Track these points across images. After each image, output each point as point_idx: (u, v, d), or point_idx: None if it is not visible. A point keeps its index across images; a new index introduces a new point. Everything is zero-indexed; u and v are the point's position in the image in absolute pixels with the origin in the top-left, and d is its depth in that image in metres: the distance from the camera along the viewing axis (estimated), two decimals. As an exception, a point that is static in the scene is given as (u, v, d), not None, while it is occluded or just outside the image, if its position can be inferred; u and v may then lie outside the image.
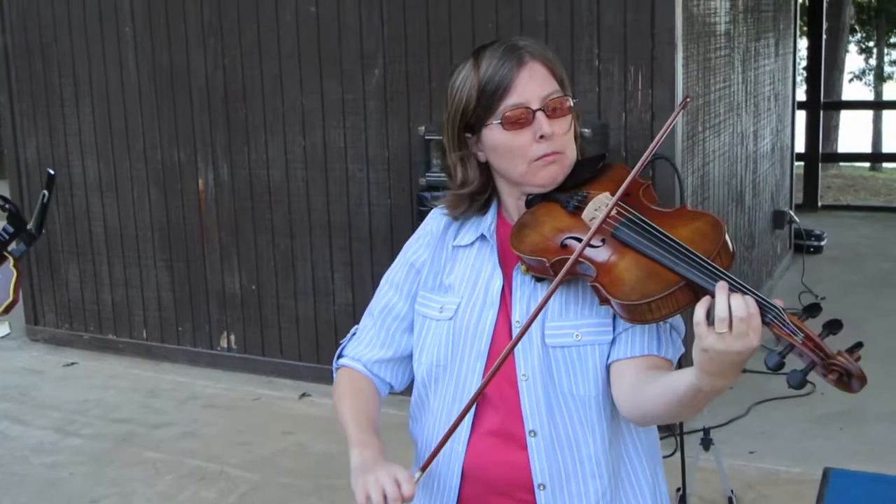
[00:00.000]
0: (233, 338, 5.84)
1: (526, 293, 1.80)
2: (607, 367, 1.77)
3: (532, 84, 1.77)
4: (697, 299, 1.53)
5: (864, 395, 4.78)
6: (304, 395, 5.43)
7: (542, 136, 1.76)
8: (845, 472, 3.52)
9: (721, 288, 1.49)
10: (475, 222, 1.90)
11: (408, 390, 2.01)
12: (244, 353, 5.81)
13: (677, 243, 1.61)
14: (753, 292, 1.49)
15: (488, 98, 1.77)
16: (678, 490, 3.90)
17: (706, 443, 3.95)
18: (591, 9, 4.59)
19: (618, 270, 1.64)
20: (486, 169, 1.86)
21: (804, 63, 10.15)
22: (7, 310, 1.47)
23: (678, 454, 3.94)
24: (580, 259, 1.66)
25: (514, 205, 1.87)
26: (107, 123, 5.95)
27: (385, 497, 1.64)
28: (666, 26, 4.48)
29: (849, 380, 1.44)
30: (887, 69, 21.78)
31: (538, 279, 1.78)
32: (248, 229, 5.65)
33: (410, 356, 1.95)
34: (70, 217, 6.21)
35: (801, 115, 9.34)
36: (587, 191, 1.80)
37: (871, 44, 21.70)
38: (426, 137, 4.69)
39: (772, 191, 7.24)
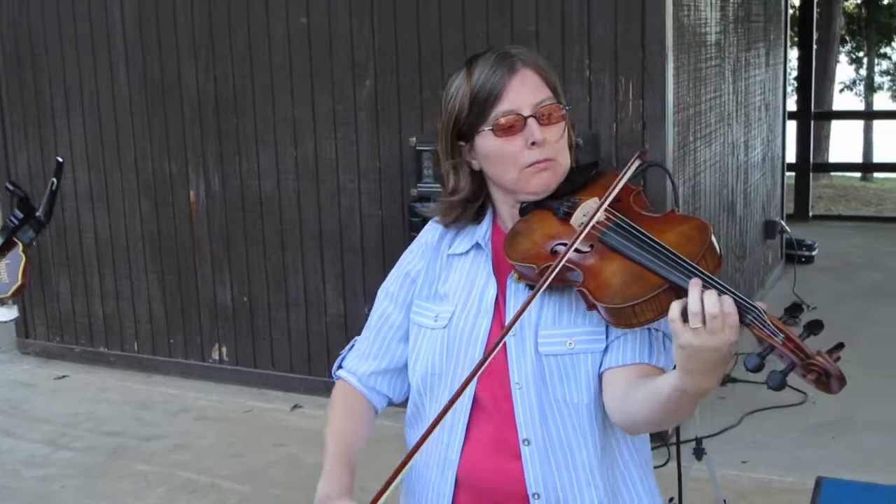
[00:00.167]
0: (224, 350, 5.82)
1: (519, 302, 1.79)
2: (600, 376, 1.77)
3: (524, 91, 1.77)
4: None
5: (855, 403, 4.80)
6: (295, 406, 5.42)
7: (533, 143, 1.76)
8: (837, 481, 3.52)
9: (694, 284, 1.49)
10: (470, 231, 1.90)
11: (403, 401, 2.01)
12: (236, 365, 5.79)
13: (662, 246, 1.61)
14: (733, 292, 1.49)
15: (480, 105, 1.77)
16: (671, 500, 3.89)
17: (698, 452, 3.95)
18: (582, 19, 4.60)
19: (605, 275, 1.64)
20: (479, 177, 1.86)
21: (795, 73, 10.19)
22: (16, 293, 1.49)
23: (671, 464, 3.93)
24: (569, 265, 1.66)
25: (508, 213, 1.87)
26: (98, 135, 5.95)
27: None
28: (656, 37, 4.49)
29: (828, 380, 1.43)
30: (877, 79, 21.87)
31: (531, 287, 1.78)
32: (240, 240, 5.65)
33: (407, 367, 1.94)
34: (61, 229, 6.20)
35: (791, 126, 9.38)
36: (576, 198, 1.80)
37: (861, 54, 21.79)
38: (417, 148, 4.70)
39: (763, 201, 7.25)
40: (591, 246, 1.69)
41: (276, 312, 5.61)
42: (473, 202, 1.88)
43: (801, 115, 10.00)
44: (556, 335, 1.76)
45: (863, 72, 21.80)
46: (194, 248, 5.79)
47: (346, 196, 5.30)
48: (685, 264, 1.56)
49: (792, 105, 9.58)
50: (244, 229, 5.62)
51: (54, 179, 1.50)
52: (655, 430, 1.78)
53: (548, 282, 1.65)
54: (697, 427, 4.12)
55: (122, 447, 5.05)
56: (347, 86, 5.19)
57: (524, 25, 4.68)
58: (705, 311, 1.46)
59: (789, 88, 8.66)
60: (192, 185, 5.71)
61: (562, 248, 1.70)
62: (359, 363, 1.97)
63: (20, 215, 1.47)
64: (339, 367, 2.01)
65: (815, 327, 1.45)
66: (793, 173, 9.73)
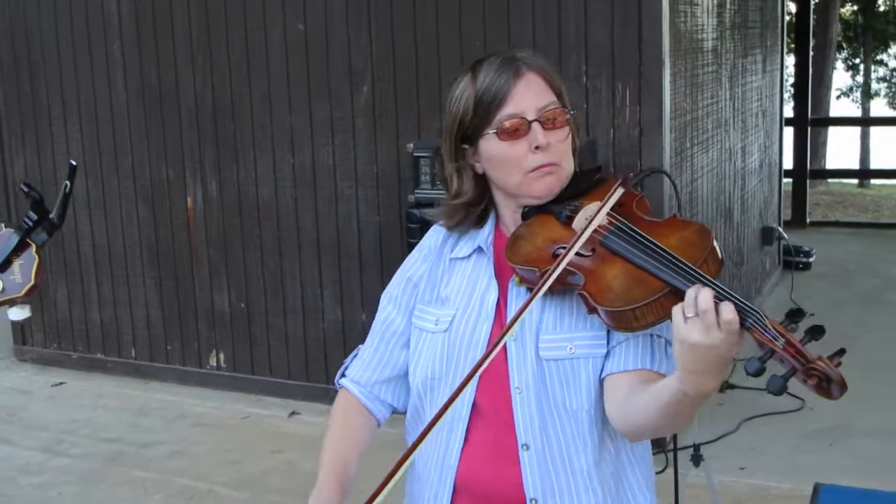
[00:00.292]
0: (222, 356, 5.82)
1: (520, 306, 1.80)
2: (600, 381, 1.76)
3: (528, 95, 1.77)
4: None
5: (854, 410, 4.80)
6: (293, 413, 5.41)
7: (537, 147, 1.76)
8: (836, 487, 3.51)
9: (691, 288, 1.50)
10: (473, 235, 1.90)
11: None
12: (233, 371, 5.79)
13: (663, 250, 1.61)
14: (734, 296, 1.49)
15: (485, 108, 1.77)
16: (669, 506, 3.89)
17: (696, 459, 3.94)
18: (579, 26, 4.61)
19: (606, 279, 1.64)
20: (483, 181, 1.87)
21: (791, 80, 10.20)
22: (29, 292, 1.51)
23: (669, 470, 3.93)
24: (570, 269, 1.66)
25: (510, 217, 1.87)
26: (95, 141, 5.95)
27: None
28: (653, 43, 4.50)
29: (828, 385, 1.42)
30: (874, 86, 21.91)
31: (532, 290, 1.78)
32: (237, 247, 5.64)
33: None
34: (58, 235, 6.13)
35: (789, 132, 9.39)
36: (579, 202, 1.81)
37: (858, 61, 21.83)
38: (415, 155, 4.70)
39: (760, 207, 7.26)
40: (593, 250, 1.69)
41: (274, 319, 5.61)
42: (477, 206, 1.88)
43: (799, 122, 10.00)
44: (556, 340, 1.76)
45: (859, 78, 21.83)
46: (192, 255, 5.79)
47: (343, 203, 5.30)
48: (687, 268, 1.56)
49: (789, 111, 9.59)
50: (242, 236, 5.62)
51: (68, 182, 1.52)
52: (656, 436, 1.79)
53: (547, 284, 1.65)
54: (695, 433, 4.11)
55: (120, 454, 5.04)
56: (345, 93, 5.19)
57: (521, 32, 4.68)
58: (698, 302, 1.46)
59: (786, 95, 8.67)
60: (190, 192, 5.71)
61: (563, 252, 1.70)
62: (363, 372, 1.96)
63: (34, 217, 1.50)
64: (342, 375, 2.00)
65: (816, 332, 1.45)
66: (790, 180, 9.74)
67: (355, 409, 1.95)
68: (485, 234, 1.88)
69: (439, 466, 1.81)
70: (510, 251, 1.77)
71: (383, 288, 2.00)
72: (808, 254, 8.19)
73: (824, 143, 16.92)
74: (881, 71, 22.42)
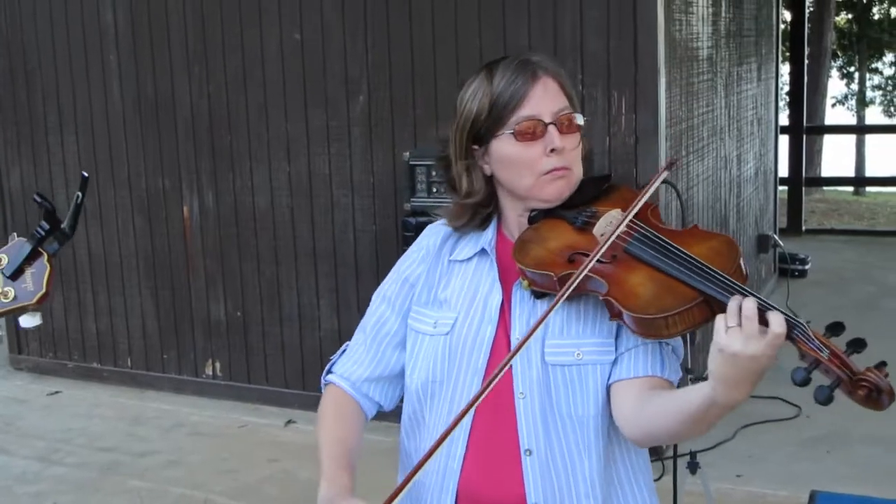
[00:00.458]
0: (218, 365, 5.81)
1: (525, 309, 1.79)
2: (607, 387, 1.76)
3: (545, 98, 1.78)
4: (713, 315, 1.54)
5: (850, 417, 4.78)
6: (289, 422, 5.40)
7: (552, 150, 1.77)
8: (832, 494, 3.52)
9: (733, 298, 1.50)
10: (474, 237, 1.89)
11: (395, 415, 2.00)
12: (229, 380, 5.78)
13: (695, 259, 1.61)
14: (779, 309, 1.49)
15: (501, 109, 1.78)
16: (666, 514, 3.89)
17: (693, 466, 3.94)
18: (575, 34, 4.62)
19: (631, 285, 1.64)
20: (489, 182, 1.87)
21: (787, 88, 10.23)
22: (41, 300, 1.54)
23: (665, 478, 3.93)
24: (591, 275, 1.66)
25: (515, 220, 1.87)
26: (91, 152, 5.95)
27: None
28: (649, 51, 4.51)
29: (878, 396, 1.43)
30: (869, 94, 21.97)
31: (538, 295, 1.78)
32: (234, 256, 5.65)
33: (401, 374, 1.93)
34: (54, 245, 6.17)
35: (784, 140, 9.41)
36: (595, 208, 1.81)
37: (853, 69, 21.90)
38: (411, 163, 4.71)
39: (756, 215, 7.27)
40: (614, 256, 1.69)
41: (270, 328, 5.61)
42: (486, 207, 1.88)
43: (794, 130, 10.03)
44: (563, 345, 1.76)
45: (854, 86, 21.89)
46: (188, 264, 5.79)
47: (339, 211, 5.31)
48: (724, 279, 1.56)
49: (784, 120, 9.62)
50: (238, 245, 5.62)
51: (80, 193, 1.55)
52: (670, 443, 1.80)
53: (570, 290, 1.64)
54: (691, 441, 4.11)
55: (116, 463, 5.03)
56: (341, 102, 5.20)
57: (517, 41, 4.69)
58: (744, 313, 1.47)
59: (781, 103, 8.69)
60: (186, 202, 5.71)
61: (580, 258, 1.70)
62: (353, 368, 1.95)
63: (46, 226, 1.52)
64: (329, 372, 1.99)
65: (858, 345, 1.47)
66: (785, 187, 9.76)
67: (345, 400, 1.94)
68: (488, 237, 1.88)
69: (441, 472, 1.81)
70: (520, 254, 1.77)
71: (379, 297, 2.00)
72: (803, 261, 8.20)
73: (820, 151, 16.98)
74: (876, 79, 22.48)
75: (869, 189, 15.88)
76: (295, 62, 5.29)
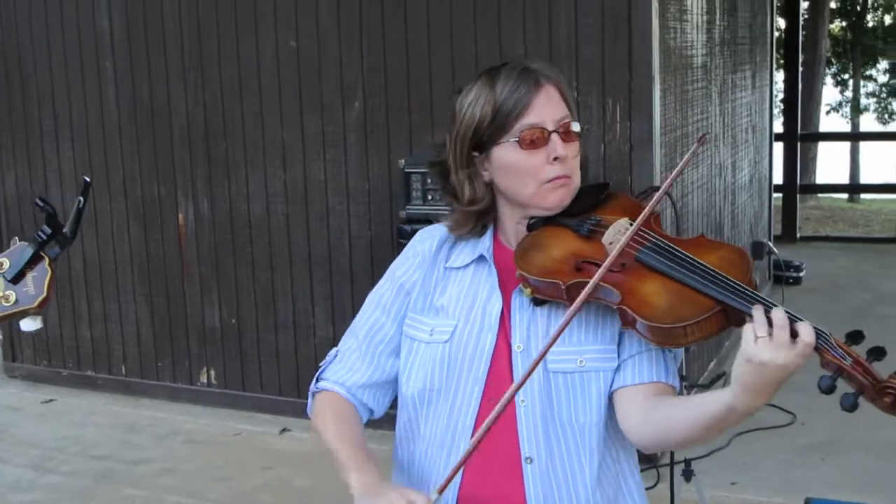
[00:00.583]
0: (213, 373, 5.80)
1: (525, 317, 1.80)
2: (610, 394, 1.77)
3: (549, 106, 1.79)
4: (728, 324, 1.57)
5: (844, 425, 4.76)
6: (284, 430, 5.39)
7: (555, 158, 1.78)
8: (826, 502, 3.52)
9: (759, 305, 1.52)
10: (470, 244, 1.89)
11: (390, 423, 1.99)
12: (224, 388, 5.77)
13: (712, 269, 1.62)
14: (801, 318, 1.51)
15: (504, 117, 1.78)
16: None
17: (687, 474, 3.94)
18: (570, 41, 4.63)
19: (644, 294, 1.65)
20: (490, 189, 1.86)
21: (781, 95, 10.25)
22: (42, 304, 1.56)
23: (660, 486, 3.92)
24: (602, 283, 1.66)
25: (513, 228, 1.87)
26: (86, 157, 5.94)
27: None
28: (643, 59, 4.51)
29: None
30: (863, 101, 22.02)
31: (538, 302, 1.78)
32: (229, 263, 5.64)
33: (394, 381, 1.92)
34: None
35: (779, 147, 9.43)
36: (599, 216, 1.81)
37: (847, 76, 21.94)
38: (406, 170, 4.71)
39: (750, 222, 7.28)
40: (623, 265, 1.69)
41: (265, 335, 5.60)
42: (488, 214, 1.88)
43: (788, 137, 10.05)
44: (565, 352, 1.76)
45: (848, 94, 21.94)
46: (183, 271, 5.78)
47: (335, 218, 5.31)
48: (744, 289, 1.58)
49: (779, 127, 9.63)
50: (233, 252, 5.61)
51: (81, 198, 1.56)
52: (681, 448, 1.81)
53: (583, 299, 1.64)
54: (686, 448, 4.11)
55: (110, 471, 5.02)
56: (336, 108, 5.20)
57: (512, 48, 4.70)
58: (774, 323, 1.48)
59: (776, 110, 8.70)
60: (181, 209, 5.71)
61: (588, 266, 1.71)
62: (347, 374, 1.93)
63: (48, 230, 1.54)
64: (320, 378, 1.97)
65: (878, 353, 1.50)
66: (780, 195, 9.78)
67: (343, 404, 1.92)
68: (486, 244, 1.87)
69: (441, 479, 1.80)
70: (523, 262, 1.77)
71: (374, 304, 1.98)
72: (798, 268, 8.21)
73: (814, 159, 16.99)
74: (870, 86, 22.54)
75: (863, 196, 15.90)
76: (290, 69, 5.29)
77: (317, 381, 1.98)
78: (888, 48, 20.96)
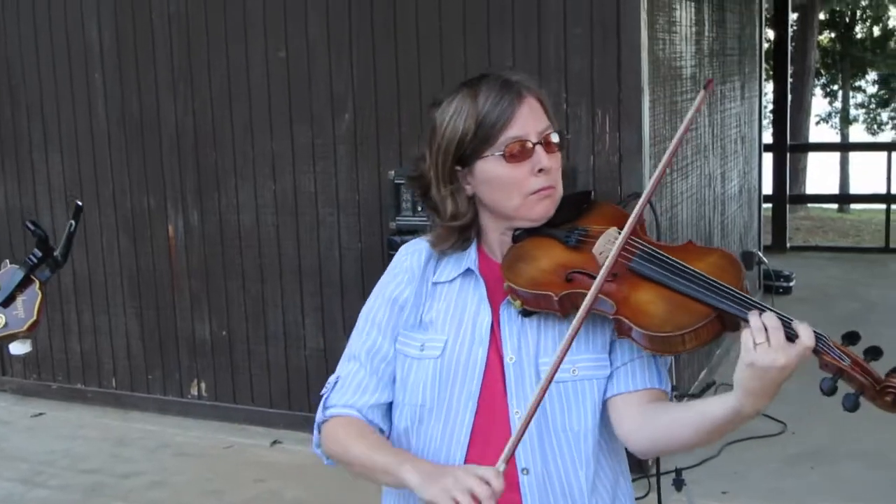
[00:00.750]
0: (203, 385, 5.79)
1: (515, 329, 1.79)
2: (604, 401, 1.77)
3: (531, 118, 1.78)
4: (724, 330, 1.59)
5: (834, 434, 4.80)
6: (275, 442, 5.38)
7: (540, 170, 1.77)
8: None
9: (753, 314, 1.54)
10: (455, 258, 1.87)
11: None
12: (215, 400, 5.76)
13: (705, 276, 1.63)
14: (795, 320, 1.54)
15: (487, 130, 1.77)
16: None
17: (678, 483, 3.94)
18: (559, 53, 4.64)
19: (639, 303, 1.65)
20: (473, 203, 1.85)
21: (771, 106, 10.29)
22: (31, 328, 1.56)
23: (652, 495, 3.92)
24: (598, 294, 1.66)
25: (497, 240, 1.85)
26: (76, 169, 5.93)
27: (475, 499, 1.54)
28: (632, 70, 4.53)
29: None
30: (852, 112, 22.12)
31: (525, 314, 1.77)
32: (219, 275, 5.63)
33: None
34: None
35: (769, 158, 9.45)
36: (585, 226, 1.81)
37: (836, 87, 22.04)
38: (396, 181, 4.71)
39: (740, 232, 7.29)
40: (615, 275, 1.69)
41: (256, 347, 5.59)
42: (470, 228, 1.86)
43: (778, 148, 10.08)
44: None
45: (838, 104, 22.04)
46: (173, 284, 5.77)
47: (325, 229, 5.30)
48: (739, 295, 1.59)
49: (768, 137, 9.66)
50: (223, 264, 5.60)
51: (72, 222, 1.55)
52: (681, 452, 1.81)
53: (586, 311, 1.64)
54: (677, 458, 4.11)
55: (100, 485, 5.00)
56: (326, 119, 5.21)
57: (502, 59, 4.71)
58: (769, 328, 1.51)
59: (765, 121, 8.73)
60: (171, 220, 5.70)
61: (579, 276, 1.71)
62: (355, 397, 1.86)
63: (39, 254, 1.53)
64: (326, 407, 1.87)
65: (875, 353, 1.51)
66: (770, 205, 9.81)
67: (358, 421, 1.84)
68: (472, 257, 1.86)
69: None
70: (511, 274, 1.76)
71: (365, 316, 1.97)
72: (788, 278, 8.23)
73: (804, 169, 17.06)
74: (859, 97, 22.65)
75: (853, 206, 15.96)
76: (280, 80, 5.29)
77: (323, 409, 1.88)
78: (877, 59, 21.07)
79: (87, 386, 6.17)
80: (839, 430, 4.94)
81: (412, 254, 1.92)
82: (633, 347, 1.72)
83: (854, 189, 19.17)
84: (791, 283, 8.23)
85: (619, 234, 1.71)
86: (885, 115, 22.23)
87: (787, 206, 10.25)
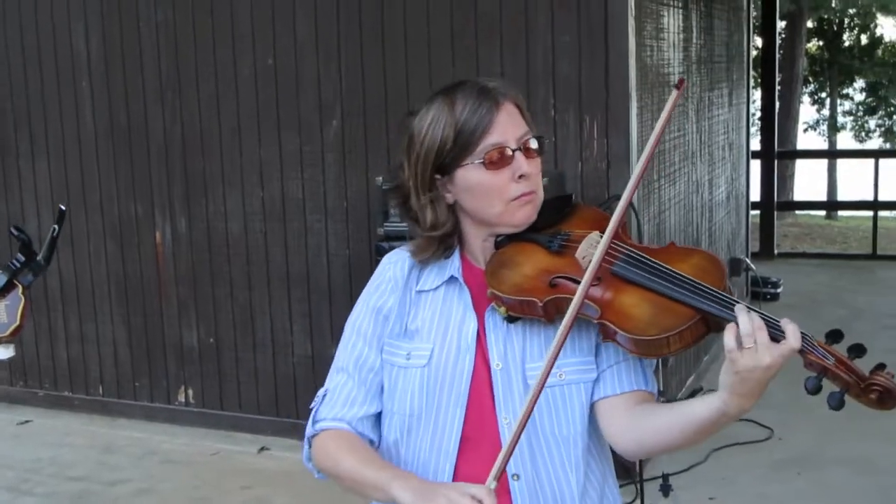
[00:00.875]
0: (191, 392, 5.77)
1: (501, 335, 1.79)
2: (591, 405, 1.78)
3: (510, 125, 1.78)
4: (709, 331, 1.60)
5: (820, 439, 4.81)
6: (262, 448, 5.36)
7: (521, 176, 1.77)
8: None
9: (740, 310, 1.55)
10: (439, 266, 1.87)
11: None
12: (202, 407, 5.74)
13: (688, 278, 1.63)
14: (776, 319, 1.55)
15: (467, 138, 1.76)
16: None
17: (665, 489, 3.95)
18: (547, 59, 4.65)
19: (623, 306, 1.65)
20: (453, 211, 1.85)
21: (759, 114, 10.32)
22: (14, 333, 1.56)
23: (639, 501, 3.93)
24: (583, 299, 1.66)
25: (479, 246, 1.85)
26: (63, 177, 5.91)
27: None
28: (620, 76, 4.54)
29: (889, 397, 1.48)
30: (840, 119, 22.20)
31: (510, 320, 1.77)
32: (206, 282, 5.62)
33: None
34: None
35: (756, 165, 9.48)
36: (567, 230, 1.81)
37: (824, 94, 22.13)
38: (384, 188, 4.71)
39: (728, 239, 7.31)
40: (599, 279, 1.69)
41: (243, 354, 5.58)
42: (451, 236, 1.86)
43: (765, 155, 10.11)
44: None
45: (826, 112, 22.12)
46: (160, 291, 5.75)
47: (313, 236, 5.30)
48: (722, 296, 1.60)
49: (756, 144, 9.69)
50: (211, 271, 5.59)
51: (56, 226, 1.54)
52: (668, 452, 1.82)
53: (572, 318, 1.64)
54: (664, 463, 4.12)
55: (87, 492, 4.98)
56: (314, 126, 5.20)
57: (490, 66, 4.72)
58: (755, 330, 1.52)
59: (753, 128, 8.76)
60: (159, 227, 5.69)
61: (563, 282, 1.71)
62: (344, 409, 1.85)
63: (22, 258, 1.52)
64: (315, 421, 1.87)
65: (859, 350, 1.53)
66: (758, 212, 9.84)
67: (348, 434, 1.84)
68: (455, 264, 1.86)
69: None
70: (495, 280, 1.76)
71: (353, 323, 1.96)
72: (775, 285, 8.26)
73: (792, 176, 17.13)
74: (847, 104, 22.73)
75: (841, 213, 16.01)
76: (268, 87, 5.29)
77: (313, 423, 1.87)
78: (864, 67, 21.16)
79: (74, 393, 6.15)
80: (826, 435, 4.96)
81: (395, 263, 1.92)
82: (619, 350, 1.72)
83: (842, 196, 19.23)
84: (779, 290, 8.26)
85: (602, 237, 1.71)
86: (872, 123, 22.31)
87: (775, 212, 10.28)
